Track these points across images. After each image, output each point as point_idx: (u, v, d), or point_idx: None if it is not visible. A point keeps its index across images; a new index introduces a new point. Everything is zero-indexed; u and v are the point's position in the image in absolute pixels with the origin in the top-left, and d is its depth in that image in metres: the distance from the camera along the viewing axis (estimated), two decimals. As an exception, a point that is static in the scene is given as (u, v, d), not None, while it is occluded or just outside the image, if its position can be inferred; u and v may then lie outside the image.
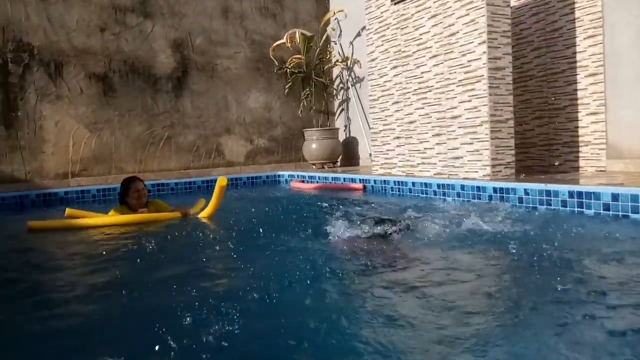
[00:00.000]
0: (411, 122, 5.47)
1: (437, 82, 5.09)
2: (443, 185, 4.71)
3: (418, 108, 5.36)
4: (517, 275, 2.35)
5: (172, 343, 1.62)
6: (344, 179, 6.13)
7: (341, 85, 8.46)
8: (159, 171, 7.25)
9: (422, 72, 5.29)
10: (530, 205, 3.91)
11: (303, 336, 1.68)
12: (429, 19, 5.15)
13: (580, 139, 4.99)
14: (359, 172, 6.58)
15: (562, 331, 1.60)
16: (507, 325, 1.72)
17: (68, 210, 4.30)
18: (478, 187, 4.38)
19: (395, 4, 5.58)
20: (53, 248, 3.50)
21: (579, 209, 3.59)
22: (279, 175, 7.47)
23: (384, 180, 5.47)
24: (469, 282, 2.21)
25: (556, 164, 4.89)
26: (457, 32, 4.80)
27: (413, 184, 5.06)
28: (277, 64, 7.90)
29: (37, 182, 6.49)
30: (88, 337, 1.79)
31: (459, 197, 4.53)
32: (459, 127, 4.85)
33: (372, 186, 5.64)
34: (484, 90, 4.55)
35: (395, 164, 5.75)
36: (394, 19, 5.64)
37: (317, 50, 7.98)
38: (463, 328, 1.67)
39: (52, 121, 6.59)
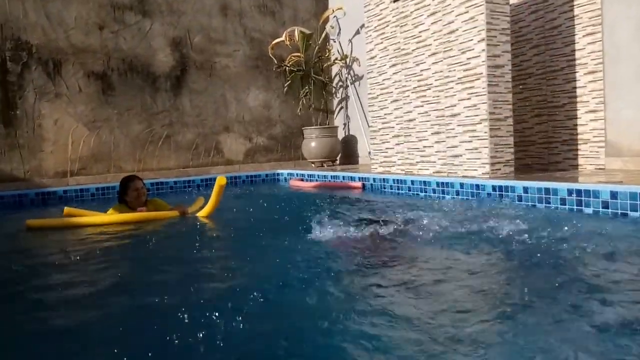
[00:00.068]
0: (410, 120, 5.46)
1: (436, 80, 5.09)
2: (442, 183, 4.71)
3: (417, 106, 5.36)
4: (514, 273, 2.34)
5: (171, 342, 1.62)
6: (343, 177, 6.13)
7: (340, 83, 8.45)
8: (158, 170, 7.25)
9: (421, 70, 5.28)
10: (530, 203, 3.91)
11: (301, 336, 1.68)
12: (428, 16, 5.14)
13: (579, 136, 4.99)
14: (358, 170, 6.58)
15: (563, 331, 1.60)
16: (504, 324, 1.72)
17: (66, 209, 4.30)
18: (477, 185, 4.38)
19: (394, 1, 5.57)
20: (52, 247, 3.49)
21: (578, 207, 3.59)
22: (278, 174, 7.46)
23: (383, 179, 5.47)
24: (467, 281, 2.20)
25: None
26: (457, 30, 4.80)
27: (412, 182, 5.06)
28: (276, 62, 7.89)
29: (36, 180, 6.48)
30: (87, 337, 1.79)
31: (458, 195, 4.53)
32: (458, 125, 4.84)
33: (372, 184, 5.63)
34: (483, 88, 4.55)
35: (395, 162, 5.74)
36: (393, 17, 5.63)
37: (316, 48, 7.97)
38: (461, 327, 1.67)
39: (51, 120, 6.58)
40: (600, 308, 1.77)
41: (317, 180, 6.52)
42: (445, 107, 4.99)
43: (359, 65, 7.74)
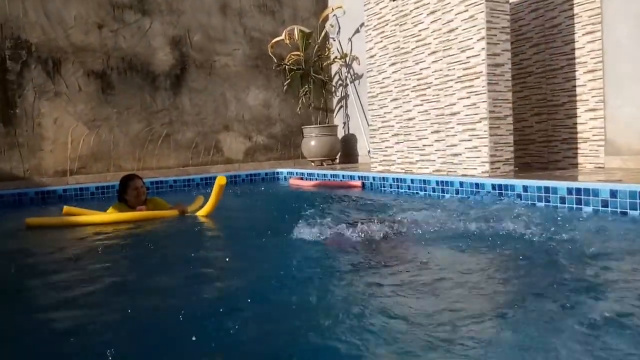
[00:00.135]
0: (410, 119, 5.46)
1: (435, 79, 5.09)
2: (442, 182, 4.71)
3: (417, 105, 5.35)
4: (512, 272, 2.34)
5: (171, 342, 1.62)
6: (343, 176, 6.13)
7: (340, 82, 8.44)
8: (158, 168, 7.25)
9: (420, 69, 5.28)
10: (529, 202, 3.91)
11: (300, 335, 1.68)
12: (427, 15, 5.14)
13: (578, 135, 4.99)
14: (357, 169, 6.58)
15: (562, 331, 1.60)
16: (503, 323, 1.72)
17: (66, 208, 4.29)
18: (477, 184, 4.38)
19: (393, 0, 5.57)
20: (51, 245, 3.49)
21: (578, 206, 3.59)
22: (277, 173, 7.46)
23: (383, 178, 5.46)
24: (466, 280, 2.20)
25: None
26: (456, 29, 4.79)
27: (412, 181, 5.06)
28: (275, 61, 7.89)
29: (36, 179, 6.48)
30: (86, 337, 1.79)
31: (458, 194, 4.53)
32: (458, 124, 4.84)
33: (371, 183, 5.63)
34: (483, 87, 4.55)
35: (394, 161, 5.74)
36: (392, 16, 5.62)
37: (316, 47, 7.96)
38: (459, 326, 1.66)
39: (51, 118, 6.58)
40: (599, 308, 1.77)
41: (316, 179, 6.52)
42: (445, 106, 4.99)
43: (359, 64, 7.74)
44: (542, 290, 1.96)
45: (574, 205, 3.62)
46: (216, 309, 1.89)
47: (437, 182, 4.76)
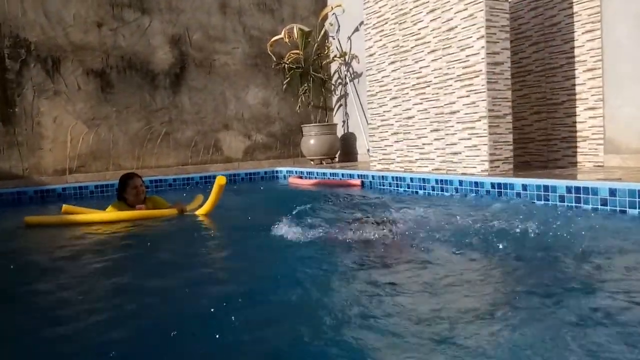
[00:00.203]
0: (409, 118, 5.46)
1: (435, 78, 5.08)
2: (441, 180, 4.71)
3: (416, 103, 5.35)
4: (511, 271, 2.34)
5: (170, 342, 1.62)
6: (342, 175, 6.13)
7: (339, 80, 8.44)
8: (157, 167, 7.24)
9: (420, 67, 5.27)
10: (528, 200, 3.91)
11: (300, 335, 1.68)
12: (427, 13, 5.13)
13: (578, 134, 4.99)
14: (357, 167, 6.58)
15: (562, 330, 1.60)
16: (500, 322, 1.72)
17: (65, 207, 4.29)
18: (476, 183, 4.38)
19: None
20: (50, 244, 3.49)
21: (577, 204, 3.59)
22: (277, 171, 7.46)
23: (382, 176, 5.46)
24: (465, 279, 2.20)
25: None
26: (456, 27, 4.79)
27: (411, 179, 5.06)
28: (275, 59, 7.88)
29: (35, 178, 6.48)
30: (85, 337, 1.79)
31: (457, 192, 4.53)
32: (457, 123, 4.84)
33: (370, 182, 5.63)
34: (483, 86, 4.55)
35: (394, 159, 5.74)
36: (392, 14, 5.62)
37: (315, 45, 7.96)
38: (458, 326, 1.67)
39: (50, 117, 6.58)
40: (599, 308, 1.77)
41: (316, 178, 6.52)
42: (445, 105, 4.99)
43: (358, 63, 7.73)
44: (542, 290, 1.97)
45: (573, 204, 3.62)
46: (216, 309, 1.89)
47: (436, 181, 4.76)
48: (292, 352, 1.56)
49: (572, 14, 4.93)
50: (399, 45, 5.55)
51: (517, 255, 2.48)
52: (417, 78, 5.31)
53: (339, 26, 8.25)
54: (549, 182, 3.81)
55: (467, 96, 4.72)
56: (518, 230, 2.84)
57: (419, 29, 5.25)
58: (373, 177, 5.61)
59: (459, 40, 4.76)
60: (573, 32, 4.94)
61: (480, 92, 4.57)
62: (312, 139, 7.67)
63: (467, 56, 4.69)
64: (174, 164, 7.38)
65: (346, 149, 8.25)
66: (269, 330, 1.71)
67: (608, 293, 1.91)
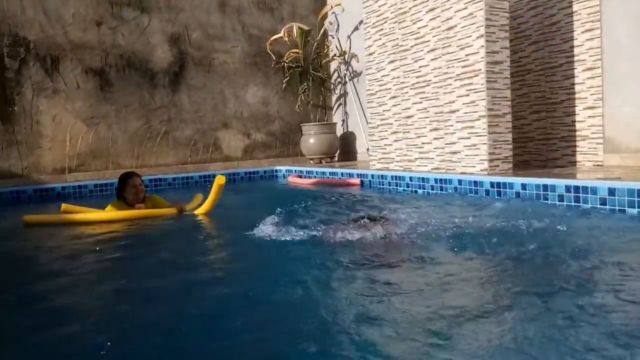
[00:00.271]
0: (409, 117, 5.46)
1: (434, 77, 5.08)
2: (441, 180, 4.71)
3: (416, 102, 5.35)
4: (509, 271, 2.34)
5: (170, 342, 1.62)
6: (342, 174, 6.13)
7: (339, 79, 8.43)
8: (157, 166, 7.24)
9: (419, 66, 5.27)
10: (528, 199, 3.91)
11: (300, 335, 1.68)
12: (426, 12, 5.13)
13: (577, 133, 4.99)
14: (356, 167, 6.58)
15: (562, 330, 1.60)
16: (500, 322, 1.72)
17: (64, 206, 4.28)
18: (475, 182, 4.38)
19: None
20: (49, 243, 3.49)
21: (576, 204, 3.59)
22: (276, 170, 7.46)
23: (382, 175, 5.46)
24: (464, 279, 2.21)
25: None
26: (455, 26, 4.79)
27: (410, 178, 5.06)
28: (274, 58, 7.87)
29: (34, 177, 6.47)
30: (85, 337, 1.79)
31: (457, 191, 4.53)
32: (457, 122, 4.84)
33: (370, 181, 5.63)
34: (482, 85, 4.54)
35: (393, 158, 5.74)
36: (391, 13, 5.61)
37: (315, 44, 7.95)
38: (457, 326, 1.67)
39: (49, 116, 6.57)
40: (598, 307, 1.77)
41: (315, 177, 6.52)
42: (444, 104, 4.99)
43: (358, 62, 7.73)
44: (540, 290, 1.97)
45: (573, 203, 3.62)
46: (215, 309, 1.89)
47: (435, 180, 4.77)
48: (292, 352, 1.56)
49: (572, 13, 4.93)
50: (398, 44, 5.55)
51: (516, 255, 2.48)
52: (417, 77, 5.31)
53: (338, 25, 8.24)
54: (548, 181, 3.81)
55: (466, 95, 4.71)
56: (517, 229, 2.85)
57: (418, 28, 5.25)
58: (372, 176, 5.61)
59: (459, 39, 4.75)
60: (572, 31, 4.94)
61: (480, 91, 4.57)
62: (311, 138, 7.67)
63: (466, 55, 4.69)
64: (174, 163, 7.37)
65: (345, 148, 8.24)
66: (268, 330, 1.71)
67: (607, 292, 1.91)
